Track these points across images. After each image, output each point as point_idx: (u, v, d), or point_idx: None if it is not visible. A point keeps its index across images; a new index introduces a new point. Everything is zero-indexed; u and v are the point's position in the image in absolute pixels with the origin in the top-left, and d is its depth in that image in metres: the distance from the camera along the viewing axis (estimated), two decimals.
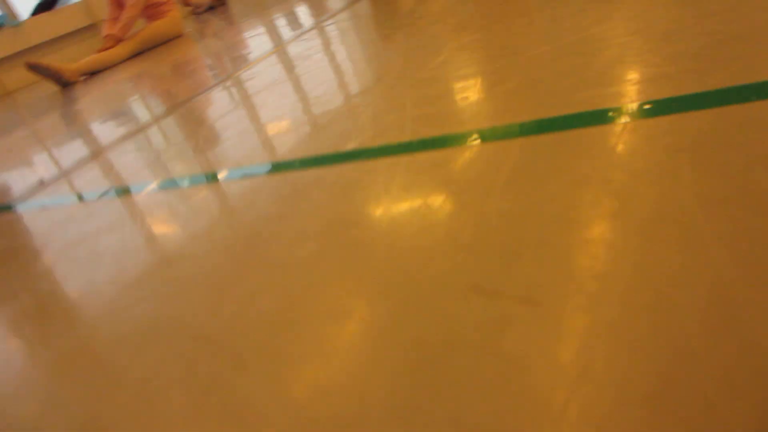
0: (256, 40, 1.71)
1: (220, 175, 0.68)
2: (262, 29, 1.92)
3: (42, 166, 1.12)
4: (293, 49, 1.32)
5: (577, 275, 0.31)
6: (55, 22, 4.58)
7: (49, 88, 2.81)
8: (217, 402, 0.32)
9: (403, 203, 0.46)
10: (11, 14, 4.31)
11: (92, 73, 2.64)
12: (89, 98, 1.88)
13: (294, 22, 1.78)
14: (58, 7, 4.71)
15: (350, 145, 0.62)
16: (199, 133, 0.92)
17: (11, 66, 4.18)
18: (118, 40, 2.73)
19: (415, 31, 1.03)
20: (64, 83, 2.55)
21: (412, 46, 0.93)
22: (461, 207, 0.42)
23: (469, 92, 0.64)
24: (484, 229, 0.39)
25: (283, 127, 0.77)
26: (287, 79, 1.05)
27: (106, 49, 2.72)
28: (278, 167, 0.64)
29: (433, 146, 0.54)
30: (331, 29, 1.38)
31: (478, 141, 0.52)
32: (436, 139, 0.56)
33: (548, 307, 0.30)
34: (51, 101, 2.23)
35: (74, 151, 1.14)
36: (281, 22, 1.89)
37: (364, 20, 1.33)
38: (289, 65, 1.16)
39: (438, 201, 0.44)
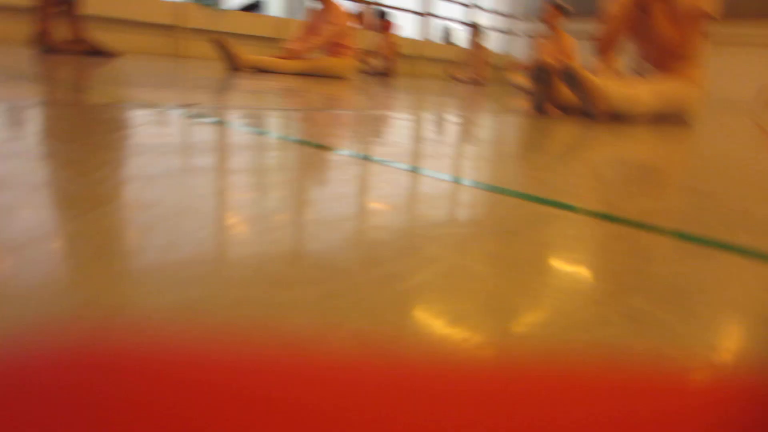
0: (401, 105, 1.81)
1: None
2: (408, 103, 2.03)
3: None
4: (429, 121, 1.38)
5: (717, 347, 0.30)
6: (250, 22, 5.11)
7: (218, 66, 3.08)
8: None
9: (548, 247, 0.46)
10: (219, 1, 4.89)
11: (259, 70, 2.88)
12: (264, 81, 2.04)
13: (441, 111, 1.87)
14: (258, 11, 5.27)
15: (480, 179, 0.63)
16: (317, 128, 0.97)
17: (198, 38, 4.67)
18: (295, 56, 2.98)
19: (571, 156, 1.05)
20: (235, 67, 2.79)
21: (565, 161, 0.95)
22: (609, 263, 0.42)
23: (631, 199, 0.65)
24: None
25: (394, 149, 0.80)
26: (408, 130, 1.10)
27: (282, 58, 2.97)
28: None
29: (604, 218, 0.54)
30: (471, 125, 1.44)
31: (630, 227, 0.51)
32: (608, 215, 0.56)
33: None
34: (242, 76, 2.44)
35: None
36: (430, 105, 2.00)
37: (515, 126, 1.39)
38: (418, 127, 1.22)
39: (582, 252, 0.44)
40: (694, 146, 1.34)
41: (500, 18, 9.12)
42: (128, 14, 4.28)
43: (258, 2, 5.40)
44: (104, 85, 1.37)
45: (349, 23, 3.20)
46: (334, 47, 3.17)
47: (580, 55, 4.36)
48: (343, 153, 0.75)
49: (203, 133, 0.81)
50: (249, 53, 2.89)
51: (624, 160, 0.97)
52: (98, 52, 2.78)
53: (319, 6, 3.20)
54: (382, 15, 5.79)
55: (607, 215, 0.55)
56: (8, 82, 1.26)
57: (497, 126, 1.40)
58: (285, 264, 0.35)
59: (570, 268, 0.41)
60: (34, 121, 0.77)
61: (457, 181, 0.65)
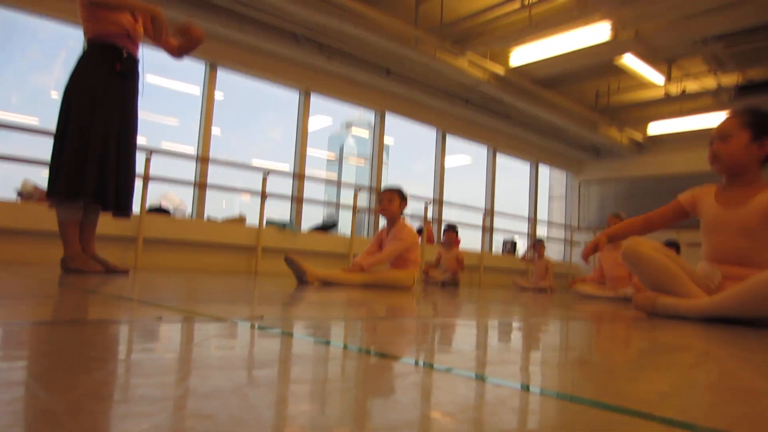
0: (465, 313, 1.80)
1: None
2: (473, 311, 2.02)
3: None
4: (494, 328, 1.36)
5: None
6: (322, 241, 5.48)
7: (290, 281, 3.24)
8: None
9: None
10: (297, 224, 5.34)
11: (326, 283, 3.00)
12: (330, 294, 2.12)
13: (506, 319, 1.85)
14: (331, 232, 5.68)
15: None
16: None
17: (272, 256, 5.01)
18: (361, 269, 3.12)
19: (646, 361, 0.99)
20: (304, 281, 2.93)
21: None
22: None
23: None
24: None
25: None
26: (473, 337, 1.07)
27: (349, 271, 3.11)
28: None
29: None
30: (536, 331, 1.39)
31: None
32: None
33: None
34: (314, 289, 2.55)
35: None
36: (494, 313, 1.98)
37: (584, 331, 1.33)
38: (483, 335, 1.19)
39: None
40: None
41: (561, 228, 9.39)
42: (211, 237, 4.70)
43: (335, 223, 5.86)
44: (177, 302, 1.46)
45: (415, 239, 3.37)
46: (399, 260, 3.31)
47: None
48: (406, 361, 0.73)
49: (267, 344, 0.82)
50: (319, 268, 3.04)
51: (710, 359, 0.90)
52: (113, 270, 2.70)
53: (387, 223, 3.42)
54: (447, 229, 6.07)
55: (689, 425, 0.49)
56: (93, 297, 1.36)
57: (563, 331, 1.35)
58: None
59: None
60: (101, 336, 0.81)
61: (523, 388, 0.62)
